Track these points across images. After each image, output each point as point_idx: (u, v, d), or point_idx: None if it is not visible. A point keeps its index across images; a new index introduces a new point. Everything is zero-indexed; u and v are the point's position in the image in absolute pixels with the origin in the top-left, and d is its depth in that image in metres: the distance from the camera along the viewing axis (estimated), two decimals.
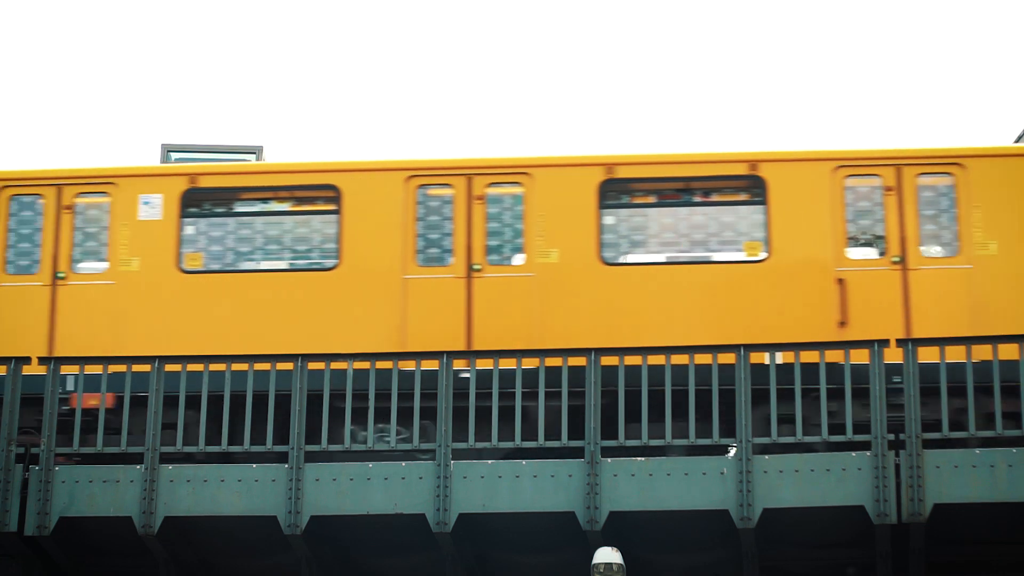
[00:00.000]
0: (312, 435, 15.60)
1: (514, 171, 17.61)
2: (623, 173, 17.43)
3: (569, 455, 15.50)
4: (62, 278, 17.56)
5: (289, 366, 15.72)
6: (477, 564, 16.13)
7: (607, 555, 14.41)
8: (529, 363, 15.61)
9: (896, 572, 15.31)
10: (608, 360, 15.48)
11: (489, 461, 15.46)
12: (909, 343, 15.24)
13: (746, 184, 17.33)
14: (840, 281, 16.79)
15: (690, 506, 15.02)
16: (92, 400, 15.96)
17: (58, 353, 16.99)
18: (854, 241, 17.12)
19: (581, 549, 15.18)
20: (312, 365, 15.77)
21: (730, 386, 15.22)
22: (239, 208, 17.84)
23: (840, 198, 17.14)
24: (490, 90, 52.15)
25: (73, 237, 17.77)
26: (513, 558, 16.19)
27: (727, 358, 15.35)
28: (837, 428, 15.17)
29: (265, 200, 17.86)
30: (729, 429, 15.34)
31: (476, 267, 17.29)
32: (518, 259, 17.43)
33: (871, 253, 17.07)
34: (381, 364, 15.76)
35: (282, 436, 15.80)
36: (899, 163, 17.18)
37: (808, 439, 15.13)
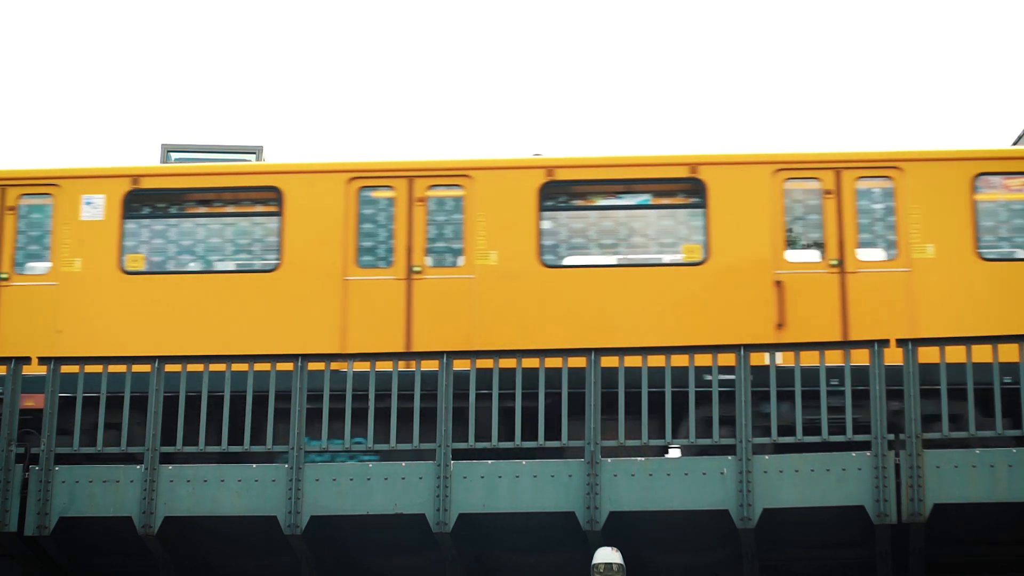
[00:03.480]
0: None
1: (455, 174, 17.61)
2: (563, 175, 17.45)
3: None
4: None
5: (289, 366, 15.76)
6: (477, 564, 16.13)
7: (607, 555, 14.40)
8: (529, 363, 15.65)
9: (896, 572, 15.31)
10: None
11: (488, 461, 15.47)
12: (909, 343, 15.24)
13: (681, 187, 17.36)
14: None
15: (690, 506, 15.02)
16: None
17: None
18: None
19: (581, 549, 15.18)
20: (312, 365, 15.81)
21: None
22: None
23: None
24: (490, 89, 52.15)
25: None
26: (513, 558, 16.19)
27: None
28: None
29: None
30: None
31: (416, 269, 17.33)
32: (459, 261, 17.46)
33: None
34: (381, 364, 15.79)
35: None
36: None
37: (808, 439, 15.14)
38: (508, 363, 15.62)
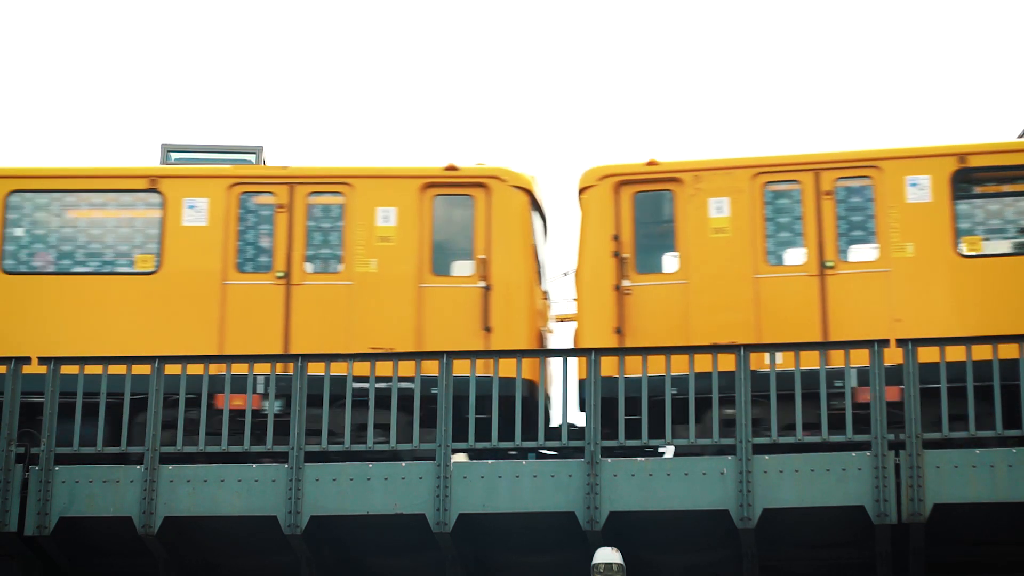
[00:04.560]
0: None
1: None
2: None
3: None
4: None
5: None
6: (477, 564, 16.13)
7: (607, 555, 14.41)
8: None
9: (896, 572, 15.31)
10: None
11: (489, 461, 15.48)
12: (909, 343, 15.24)
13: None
14: None
15: (690, 506, 15.02)
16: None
17: None
18: None
19: (581, 549, 15.19)
20: (312, 365, 15.82)
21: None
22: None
23: None
24: (491, 91, 52.13)
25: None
26: (513, 558, 16.20)
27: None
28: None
29: None
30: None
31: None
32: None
33: None
34: (382, 364, 15.79)
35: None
36: None
37: (808, 439, 15.14)
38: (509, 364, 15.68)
